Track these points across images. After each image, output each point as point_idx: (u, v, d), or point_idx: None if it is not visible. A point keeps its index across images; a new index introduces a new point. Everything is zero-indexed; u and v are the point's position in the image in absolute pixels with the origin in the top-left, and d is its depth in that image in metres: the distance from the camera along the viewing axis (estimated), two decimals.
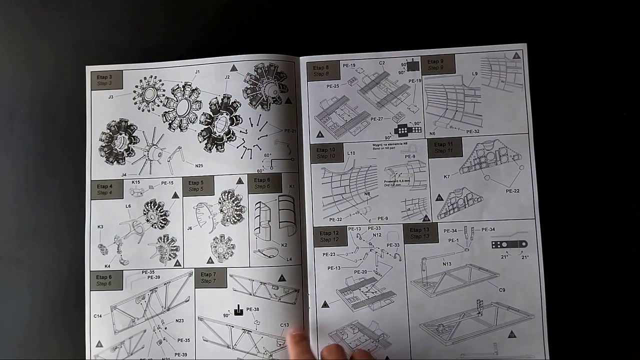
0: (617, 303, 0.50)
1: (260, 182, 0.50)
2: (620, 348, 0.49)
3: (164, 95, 0.52)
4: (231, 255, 0.50)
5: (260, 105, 0.51)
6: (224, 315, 0.50)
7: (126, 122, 0.52)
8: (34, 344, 0.52)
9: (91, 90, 0.53)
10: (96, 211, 0.52)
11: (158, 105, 0.52)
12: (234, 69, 0.51)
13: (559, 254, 0.50)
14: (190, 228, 0.51)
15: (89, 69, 0.53)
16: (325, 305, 0.50)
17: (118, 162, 0.52)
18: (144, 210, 0.51)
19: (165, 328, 0.50)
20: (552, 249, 0.49)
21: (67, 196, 0.53)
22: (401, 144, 0.51)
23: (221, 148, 0.51)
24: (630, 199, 0.50)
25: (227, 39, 0.53)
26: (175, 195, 0.51)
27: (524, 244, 0.49)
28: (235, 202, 0.50)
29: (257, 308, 0.49)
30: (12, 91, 0.54)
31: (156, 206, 0.51)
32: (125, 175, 0.52)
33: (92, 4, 0.55)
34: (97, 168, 0.52)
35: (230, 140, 0.51)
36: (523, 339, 0.48)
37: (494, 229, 0.49)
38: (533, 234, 0.49)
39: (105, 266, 0.51)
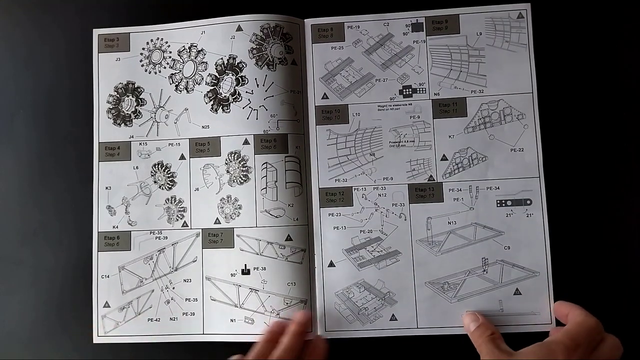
0: (622, 259, 0.50)
1: (266, 143, 0.51)
2: (625, 304, 0.50)
3: (170, 57, 0.52)
4: (238, 216, 0.50)
5: (266, 66, 0.51)
6: (232, 274, 0.50)
7: (133, 84, 0.53)
8: (39, 332, 0.53)
9: (98, 52, 0.53)
10: (104, 173, 0.52)
11: (165, 67, 0.52)
12: (239, 29, 0.51)
13: (563, 212, 0.50)
14: (197, 189, 0.51)
15: (97, 31, 0.54)
16: (331, 264, 0.50)
17: (125, 124, 0.52)
18: (152, 172, 0.52)
19: (173, 288, 0.51)
20: (557, 207, 0.49)
21: (73, 158, 0.53)
22: (406, 104, 0.51)
23: (227, 109, 0.51)
24: (634, 155, 0.51)
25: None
26: (182, 157, 0.52)
27: (528, 202, 0.49)
28: (242, 163, 0.51)
29: (264, 267, 0.50)
30: (20, 56, 0.55)
31: (163, 168, 0.52)
32: (132, 137, 0.52)
33: None
34: (104, 130, 0.53)
35: (236, 101, 0.51)
36: (528, 296, 0.48)
37: (498, 188, 0.50)
38: (537, 192, 0.49)
39: (114, 227, 0.52)
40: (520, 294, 0.49)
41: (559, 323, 0.48)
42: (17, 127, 0.54)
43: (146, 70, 0.53)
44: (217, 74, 0.52)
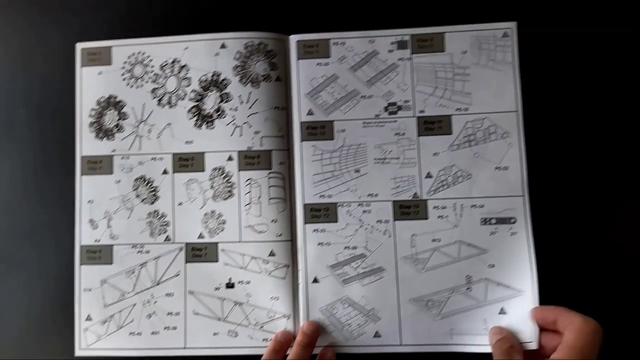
0: (606, 278, 0.50)
1: (250, 160, 0.50)
2: (611, 321, 0.50)
3: (152, 71, 0.52)
4: (222, 231, 0.50)
5: (250, 83, 0.51)
6: (215, 288, 0.50)
7: (115, 98, 0.52)
8: (30, 336, 0.53)
9: (81, 66, 0.53)
10: (86, 186, 0.52)
11: (147, 82, 0.52)
12: (223, 46, 0.51)
13: (547, 230, 0.50)
14: (181, 204, 0.51)
15: (79, 45, 0.53)
16: (315, 280, 0.50)
17: (108, 138, 0.52)
18: (134, 186, 0.51)
19: (155, 302, 0.51)
20: (541, 225, 0.49)
21: (56, 172, 0.53)
22: (391, 122, 0.51)
23: (211, 125, 0.51)
24: (617, 175, 0.51)
25: (217, 15, 0.53)
26: (165, 172, 0.51)
27: (512, 220, 0.49)
28: (226, 179, 0.51)
29: (249, 281, 0.50)
30: (2, 69, 0.54)
31: (146, 182, 0.51)
32: (114, 151, 0.52)
33: None
34: (87, 144, 0.52)
35: (221, 117, 0.51)
36: (513, 315, 0.48)
37: (483, 206, 0.50)
38: (522, 210, 0.49)
39: (96, 240, 0.51)
40: (505, 313, 0.49)
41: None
42: (1, 140, 0.54)
43: (128, 84, 0.52)
44: (201, 90, 0.51)
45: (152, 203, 0.51)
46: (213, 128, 0.51)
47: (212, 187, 0.51)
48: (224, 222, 0.50)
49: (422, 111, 0.51)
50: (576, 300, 0.48)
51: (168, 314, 0.50)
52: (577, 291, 0.50)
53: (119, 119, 0.52)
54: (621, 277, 0.51)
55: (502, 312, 0.49)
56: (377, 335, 0.49)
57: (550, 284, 0.49)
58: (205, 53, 0.51)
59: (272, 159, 0.50)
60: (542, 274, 0.49)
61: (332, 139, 0.51)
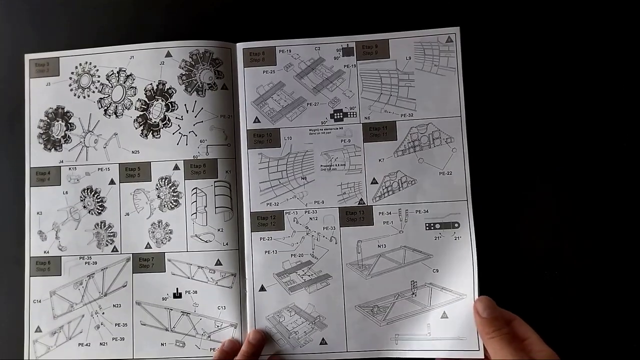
0: (548, 283, 0.50)
1: (196, 168, 0.51)
2: (551, 327, 0.50)
3: (99, 81, 0.52)
4: (169, 240, 0.50)
5: (195, 92, 0.51)
6: (163, 298, 0.50)
7: (63, 108, 0.52)
8: None
9: (29, 78, 0.53)
10: (35, 198, 0.52)
11: (93, 92, 0.52)
12: (168, 55, 0.51)
13: (490, 235, 0.50)
14: (128, 214, 0.51)
15: (28, 56, 0.53)
16: (262, 289, 0.50)
17: (55, 149, 0.52)
18: (81, 197, 0.52)
19: (103, 313, 0.51)
20: (484, 230, 0.50)
21: (7, 183, 0.53)
22: (337, 128, 0.51)
23: (157, 134, 0.51)
24: (560, 178, 0.51)
25: (163, 24, 0.54)
26: (112, 182, 0.51)
27: (456, 225, 0.50)
28: (172, 188, 0.51)
29: (196, 291, 0.50)
30: None
31: (93, 192, 0.51)
32: (62, 162, 0.52)
33: None
34: (36, 155, 0.52)
35: (166, 127, 0.51)
36: (455, 320, 0.49)
37: (427, 211, 0.50)
38: (465, 215, 0.50)
39: (45, 252, 0.51)
40: (447, 317, 0.49)
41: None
42: None
43: (75, 95, 0.52)
44: (146, 100, 0.51)
45: (99, 214, 0.51)
46: (159, 137, 0.51)
47: (158, 196, 0.51)
48: (170, 232, 0.50)
49: (367, 117, 0.51)
50: (517, 305, 0.49)
51: (116, 324, 0.50)
52: (518, 296, 0.50)
53: (66, 130, 0.52)
54: (562, 281, 0.51)
55: (444, 316, 0.49)
56: (323, 342, 0.49)
57: (492, 287, 0.49)
58: (150, 62, 0.51)
59: (218, 168, 0.51)
60: (485, 278, 0.49)
61: (279, 146, 0.51)
